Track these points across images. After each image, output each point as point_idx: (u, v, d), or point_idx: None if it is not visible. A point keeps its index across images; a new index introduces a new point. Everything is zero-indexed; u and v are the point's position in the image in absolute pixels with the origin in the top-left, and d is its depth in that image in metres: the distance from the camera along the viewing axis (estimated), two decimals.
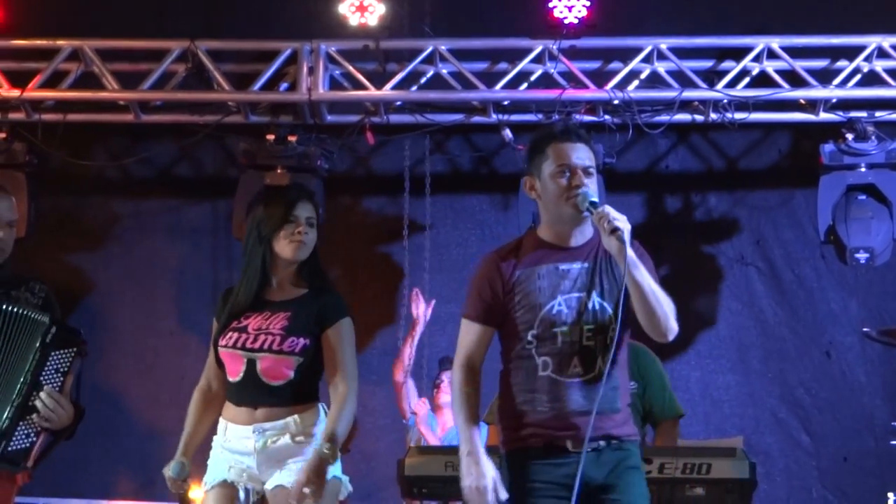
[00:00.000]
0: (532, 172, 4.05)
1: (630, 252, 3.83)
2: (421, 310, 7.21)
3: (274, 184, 7.70)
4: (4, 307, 4.18)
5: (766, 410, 8.04)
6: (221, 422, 4.56)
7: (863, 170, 7.66)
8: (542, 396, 3.95)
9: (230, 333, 4.48)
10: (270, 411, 4.44)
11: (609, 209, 3.84)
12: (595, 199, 3.90)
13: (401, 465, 5.10)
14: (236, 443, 4.49)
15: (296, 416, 4.44)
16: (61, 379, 4.24)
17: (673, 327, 3.93)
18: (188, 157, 8.40)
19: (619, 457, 3.97)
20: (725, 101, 7.65)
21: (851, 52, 7.68)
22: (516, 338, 4.00)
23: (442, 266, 8.17)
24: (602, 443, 3.95)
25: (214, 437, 4.60)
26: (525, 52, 7.73)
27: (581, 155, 3.94)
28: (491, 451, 3.91)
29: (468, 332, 4.05)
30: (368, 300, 7.89)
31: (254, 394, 4.46)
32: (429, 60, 7.82)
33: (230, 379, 4.51)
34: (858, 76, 7.71)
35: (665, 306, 3.89)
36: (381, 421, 7.68)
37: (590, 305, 3.93)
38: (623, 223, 3.82)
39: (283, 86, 7.88)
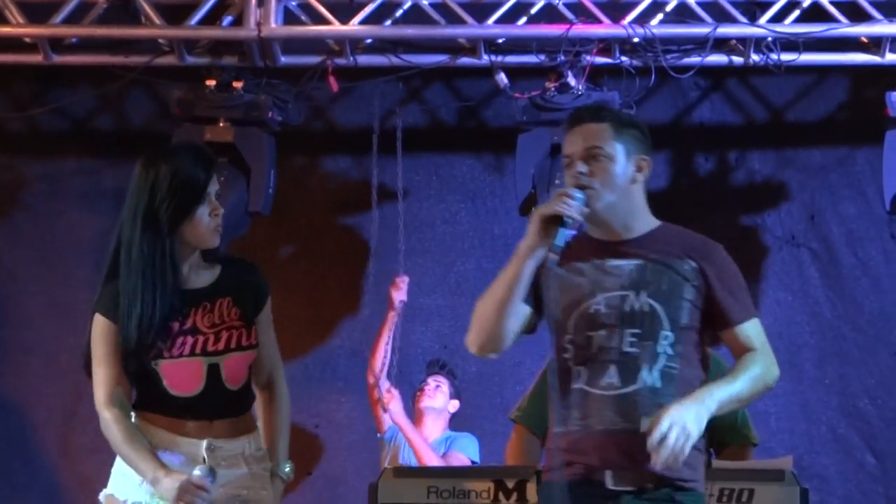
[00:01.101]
0: None
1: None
2: (397, 296, 7.14)
3: (218, 140, 7.44)
4: None
5: (821, 425, 7.86)
6: (143, 426, 4.28)
7: None
8: (574, 412, 3.92)
9: (180, 339, 4.24)
10: (227, 425, 4.31)
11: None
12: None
13: (373, 490, 5.00)
14: (174, 458, 4.26)
15: (250, 437, 4.35)
16: None
17: (770, 383, 3.99)
18: (110, 107, 8.13)
19: None
20: (770, 38, 7.34)
21: None
22: (556, 347, 3.99)
23: (425, 247, 7.93)
24: (649, 485, 3.84)
25: None
26: None
27: (580, 138, 3.95)
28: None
29: None
30: (333, 288, 7.68)
31: (214, 406, 4.29)
32: None
33: (178, 393, 4.25)
34: None
35: (755, 389, 3.94)
36: (349, 437, 7.48)
37: (636, 305, 3.91)
38: None
39: (227, 20, 7.58)
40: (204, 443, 4.26)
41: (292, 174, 7.88)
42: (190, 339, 4.27)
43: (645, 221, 4.04)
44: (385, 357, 7.02)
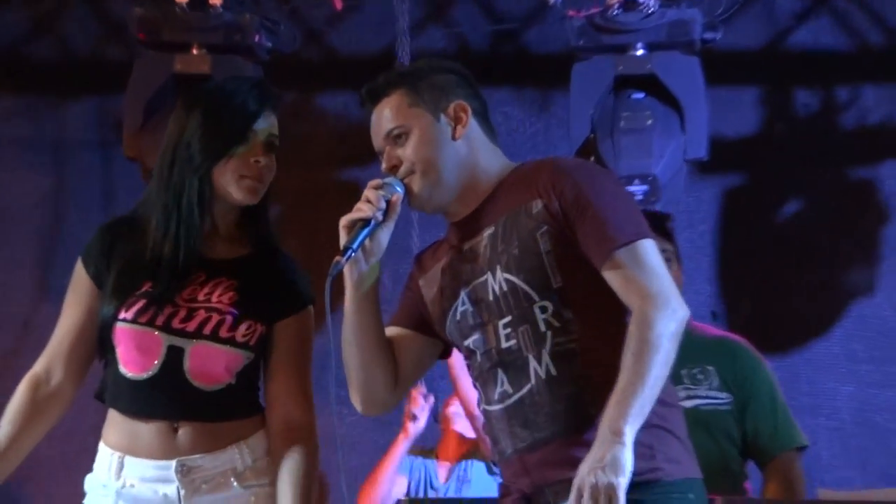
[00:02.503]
0: None
1: None
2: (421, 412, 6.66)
3: (191, 71, 7.15)
4: None
5: None
6: (106, 452, 4.01)
7: None
8: (489, 440, 3.77)
9: (141, 302, 3.96)
10: (200, 434, 4.00)
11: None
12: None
13: None
14: (143, 488, 4.01)
15: (242, 445, 4.01)
16: None
17: (680, 330, 3.49)
18: (50, 30, 7.85)
19: None
20: None
21: None
22: None
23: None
24: None
25: (90, 478, 4.06)
26: None
27: (376, 126, 3.78)
28: None
29: None
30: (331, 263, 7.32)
31: (173, 402, 3.99)
32: None
33: (129, 374, 3.97)
34: None
35: (670, 357, 3.47)
36: (354, 460, 7.09)
37: (496, 288, 3.63)
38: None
39: None
40: (173, 464, 3.96)
41: (284, 114, 7.33)
42: (153, 307, 3.98)
43: (493, 173, 3.72)
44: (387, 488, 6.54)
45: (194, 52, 7.17)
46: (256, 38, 7.18)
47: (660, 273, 3.52)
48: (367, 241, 3.63)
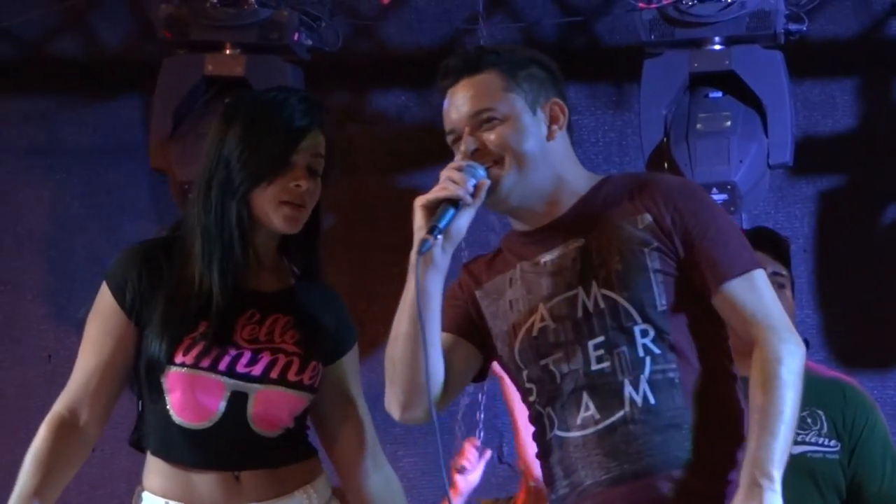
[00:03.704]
0: None
1: None
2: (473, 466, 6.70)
3: (224, 74, 7.25)
4: None
5: None
6: (157, 502, 4.05)
7: None
8: (557, 471, 3.72)
9: (201, 345, 3.99)
10: (264, 481, 4.06)
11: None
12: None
13: None
14: None
15: (310, 490, 4.10)
16: None
17: (802, 368, 3.64)
18: (75, 27, 7.82)
19: None
20: None
21: None
22: (522, 392, 3.84)
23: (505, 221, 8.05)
24: None
25: None
26: None
27: (460, 102, 3.74)
28: None
29: None
30: (385, 280, 7.01)
31: (233, 452, 4.04)
32: None
33: (184, 423, 4.02)
34: None
35: (799, 395, 3.62)
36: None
37: (590, 305, 3.65)
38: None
39: None
40: None
41: (329, 120, 7.42)
42: (216, 350, 3.99)
43: (578, 184, 3.72)
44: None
45: (227, 52, 7.27)
46: (295, 37, 7.24)
47: (777, 306, 3.61)
48: (450, 224, 3.62)
